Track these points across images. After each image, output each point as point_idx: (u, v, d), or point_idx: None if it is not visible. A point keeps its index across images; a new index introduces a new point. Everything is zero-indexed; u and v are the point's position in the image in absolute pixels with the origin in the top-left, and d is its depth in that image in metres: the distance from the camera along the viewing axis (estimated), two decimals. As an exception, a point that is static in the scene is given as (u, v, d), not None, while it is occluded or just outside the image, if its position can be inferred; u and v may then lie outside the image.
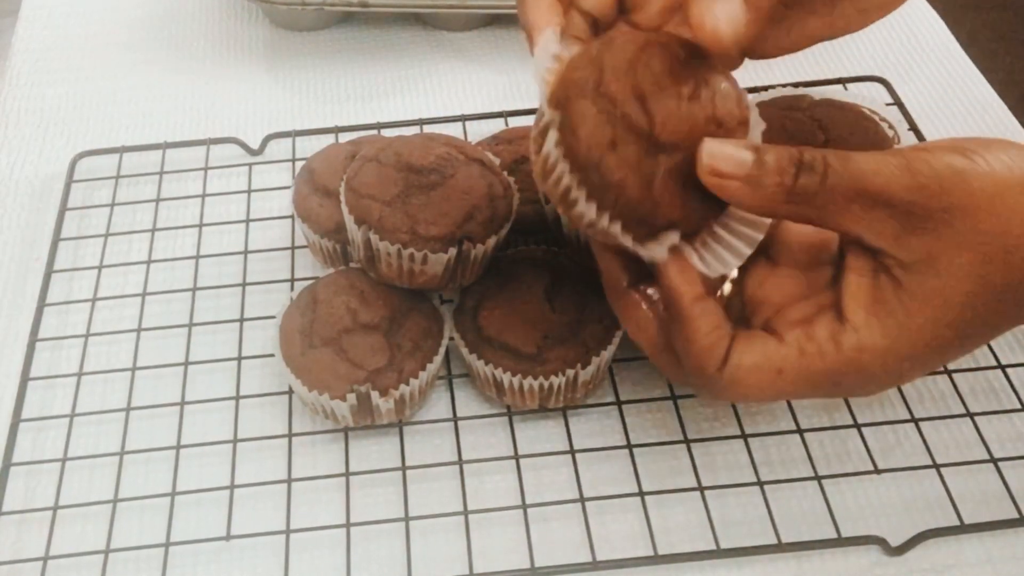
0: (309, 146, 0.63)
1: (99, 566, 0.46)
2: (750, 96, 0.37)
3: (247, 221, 0.61)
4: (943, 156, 0.32)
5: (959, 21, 0.75)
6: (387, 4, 0.70)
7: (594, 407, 0.51)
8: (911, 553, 0.45)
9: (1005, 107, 0.69)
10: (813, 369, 0.35)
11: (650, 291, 0.38)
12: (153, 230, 0.60)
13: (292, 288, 0.56)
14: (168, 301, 0.57)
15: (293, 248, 0.59)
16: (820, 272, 0.37)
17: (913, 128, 0.63)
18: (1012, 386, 0.51)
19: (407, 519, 0.47)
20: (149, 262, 0.58)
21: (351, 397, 0.46)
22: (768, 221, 0.37)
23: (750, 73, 0.71)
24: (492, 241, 0.48)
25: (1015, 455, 0.48)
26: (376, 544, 0.47)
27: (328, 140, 0.63)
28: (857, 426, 0.49)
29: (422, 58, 0.74)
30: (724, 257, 0.36)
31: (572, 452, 0.49)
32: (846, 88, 0.66)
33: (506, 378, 0.47)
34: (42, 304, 0.56)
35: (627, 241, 0.36)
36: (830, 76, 0.69)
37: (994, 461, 0.48)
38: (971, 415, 0.50)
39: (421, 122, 0.65)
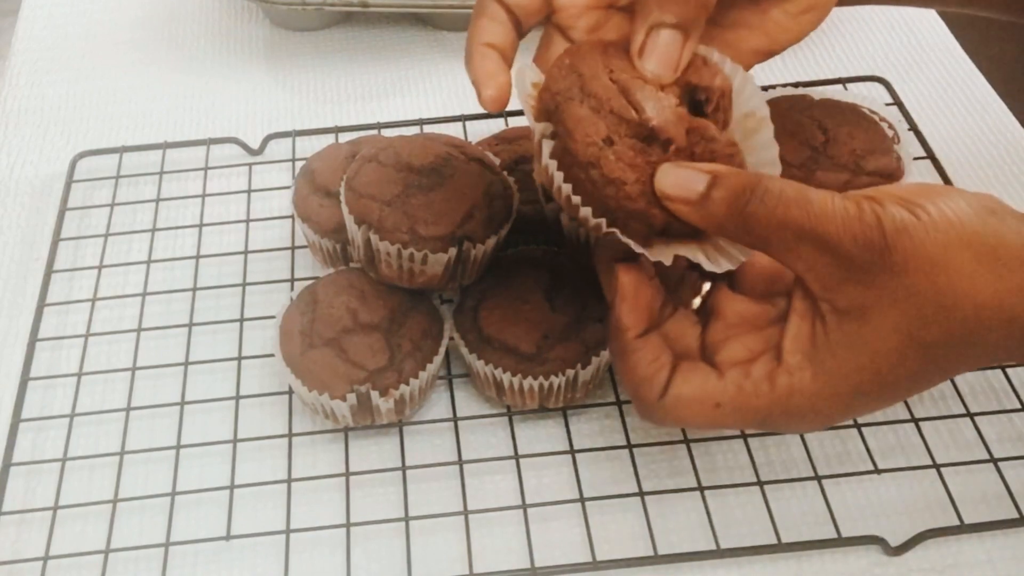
0: (309, 146, 0.63)
1: (99, 566, 0.46)
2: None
3: (247, 221, 0.61)
4: (892, 208, 0.32)
5: (958, 20, 0.75)
6: (387, 4, 0.70)
7: (594, 407, 0.51)
8: (911, 553, 0.45)
9: (1005, 106, 0.69)
10: (748, 405, 0.36)
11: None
12: (153, 230, 0.60)
13: (292, 288, 0.56)
14: (168, 301, 0.57)
15: (293, 248, 0.59)
16: (773, 304, 0.38)
17: (913, 128, 0.63)
18: (1012, 386, 0.51)
19: (407, 519, 0.47)
20: (149, 262, 0.58)
21: (351, 397, 0.46)
22: None
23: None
24: (492, 241, 0.48)
25: (1015, 455, 0.48)
26: (376, 544, 0.47)
27: (328, 140, 0.63)
28: (857, 426, 0.49)
29: (422, 58, 0.74)
30: (731, 252, 0.37)
31: (572, 452, 0.49)
32: (846, 88, 0.66)
33: (506, 378, 0.47)
34: (42, 304, 0.56)
35: (631, 243, 0.36)
36: (830, 76, 0.69)
37: (994, 461, 0.48)
38: (971, 415, 0.50)
39: (421, 122, 0.65)
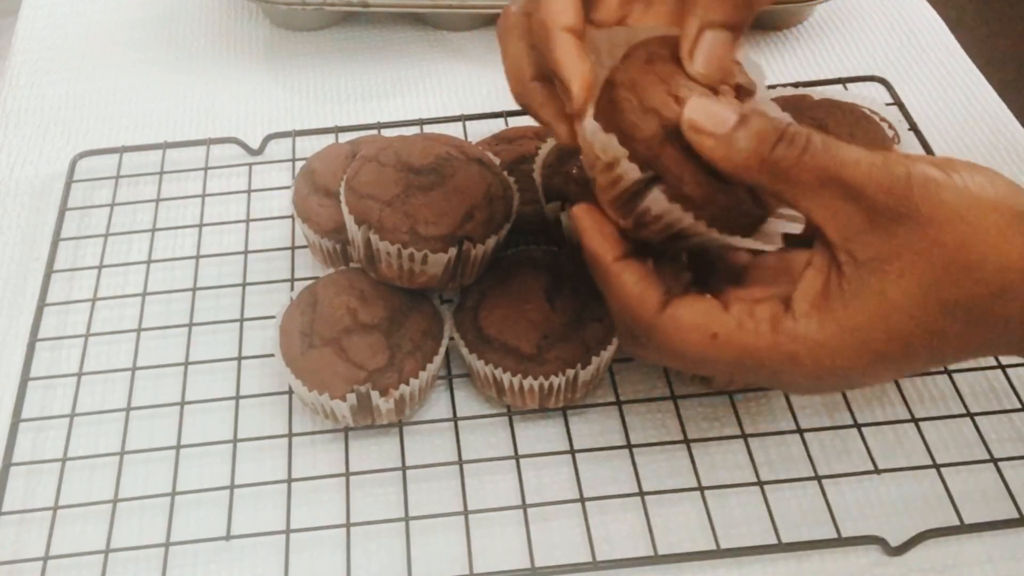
0: (309, 146, 0.63)
1: (99, 566, 0.46)
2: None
3: (247, 221, 0.61)
4: (922, 165, 0.32)
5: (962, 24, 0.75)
6: (387, 4, 0.70)
7: (594, 407, 0.51)
8: (911, 553, 0.45)
9: (1005, 106, 0.69)
10: (746, 344, 0.35)
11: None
12: (153, 230, 0.60)
13: (292, 288, 0.56)
14: (168, 301, 0.57)
15: (293, 248, 0.59)
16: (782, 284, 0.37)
17: (913, 128, 0.63)
18: (1012, 386, 0.51)
19: (407, 519, 0.47)
20: (149, 262, 0.58)
21: (351, 397, 0.46)
22: None
23: (750, 73, 0.71)
24: (492, 241, 0.48)
25: (1015, 455, 0.48)
26: (376, 544, 0.47)
27: (328, 140, 0.63)
28: (857, 426, 0.49)
29: (422, 58, 0.74)
30: (779, 225, 0.37)
31: (572, 452, 0.49)
32: (846, 88, 0.66)
33: (506, 378, 0.47)
34: (42, 304, 0.56)
35: (737, 242, 0.36)
36: (830, 76, 0.69)
37: (994, 461, 0.48)
38: (971, 415, 0.50)
39: (421, 122, 0.65)
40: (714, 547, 0.45)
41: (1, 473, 0.48)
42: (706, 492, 0.47)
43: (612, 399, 0.51)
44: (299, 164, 0.63)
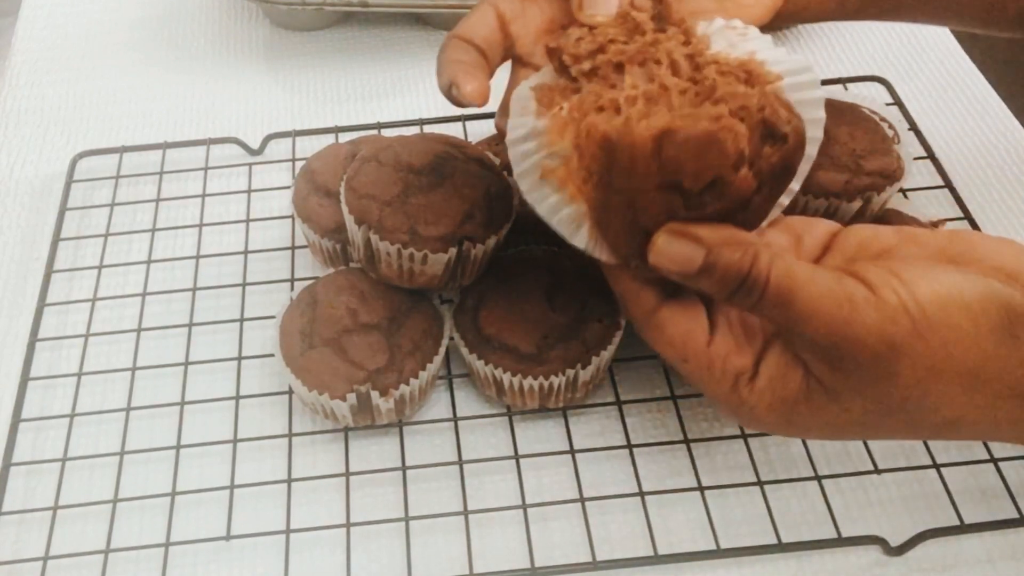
0: (309, 146, 0.63)
1: (99, 566, 0.46)
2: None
3: (247, 221, 0.61)
4: (884, 315, 0.32)
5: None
6: (387, 4, 0.70)
7: (594, 407, 0.51)
8: (911, 553, 0.45)
9: (1005, 106, 0.69)
10: (705, 383, 0.37)
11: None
12: (153, 230, 0.60)
13: (292, 288, 0.56)
14: (168, 301, 0.57)
15: (293, 248, 0.59)
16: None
17: (913, 128, 0.63)
18: (1012, 386, 0.51)
19: (407, 519, 0.47)
20: (149, 262, 0.58)
21: (351, 397, 0.46)
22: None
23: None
24: (492, 241, 0.48)
25: (1015, 455, 0.48)
26: (376, 544, 0.47)
27: (328, 140, 0.63)
28: (857, 426, 0.49)
29: (422, 58, 0.74)
30: None
31: (572, 452, 0.49)
32: (846, 88, 0.66)
33: (506, 378, 0.47)
34: (42, 304, 0.56)
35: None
36: (830, 76, 0.69)
37: (994, 461, 0.48)
38: (971, 415, 0.50)
39: (421, 122, 0.65)
40: (714, 547, 0.45)
41: (1, 473, 0.48)
42: (706, 492, 0.47)
43: (612, 399, 0.51)
44: (299, 164, 0.63)
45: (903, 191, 0.58)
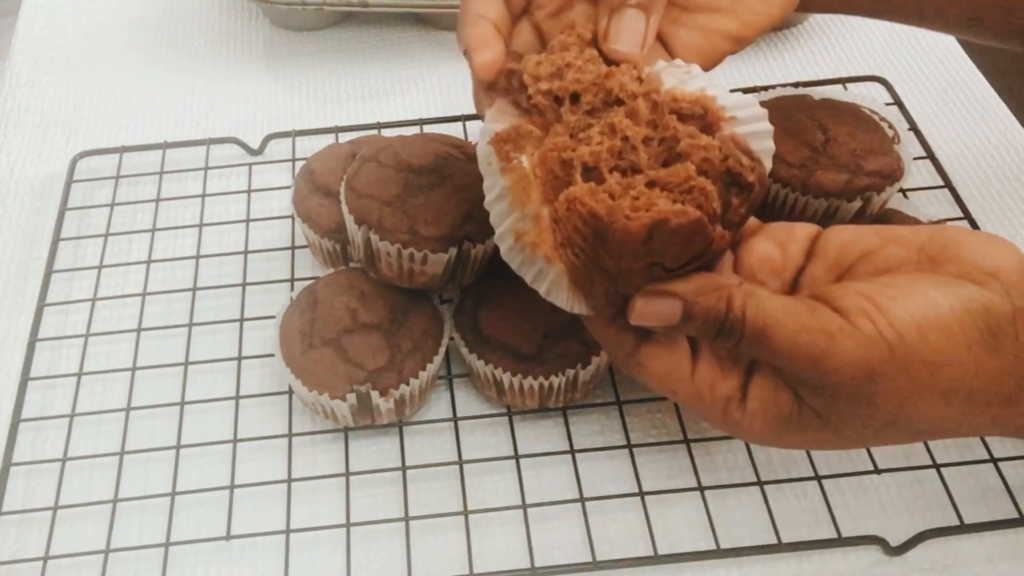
0: (309, 146, 0.63)
1: (99, 566, 0.46)
2: (748, 96, 0.37)
3: (247, 221, 0.61)
4: (860, 346, 0.32)
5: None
6: (387, 4, 0.70)
7: (594, 407, 0.51)
8: (911, 553, 0.45)
9: (1005, 107, 0.69)
10: (695, 407, 0.37)
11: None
12: (153, 230, 0.60)
13: (292, 288, 0.56)
14: (168, 301, 0.57)
15: (293, 248, 0.59)
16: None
17: (913, 128, 0.63)
18: (1012, 386, 0.51)
19: (407, 519, 0.47)
20: (149, 262, 0.58)
21: (351, 397, 0.46)
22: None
23: (750, 74, 0.71)
24: (492, 241, 0.48)
25: (1015, 455, 0.48)
26: (376, 544, 0.47)
27: (328, 140, 0.63)
28: (857, 426, 0.49)
29: (422, 58, 0.74)
30: None
31: (572, 452, 0.49)
32: (846, 88, 0.66)
33: (506, 378, 0.47)
34: (42, 304, 0.56)
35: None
36: (830, 76, 0.69)
37: (994, 461, 0.48)
38: (971, 415, 0.50)
39: (421, 122, 0.65)
40: (714, 547, 0.45)
41: (1, 473, 0.48)
42: (706, 492, 0.47)
43: (612, 399, 0.51)
44: (299, 164, 0.63)
45: (903, 191, 0.58)
